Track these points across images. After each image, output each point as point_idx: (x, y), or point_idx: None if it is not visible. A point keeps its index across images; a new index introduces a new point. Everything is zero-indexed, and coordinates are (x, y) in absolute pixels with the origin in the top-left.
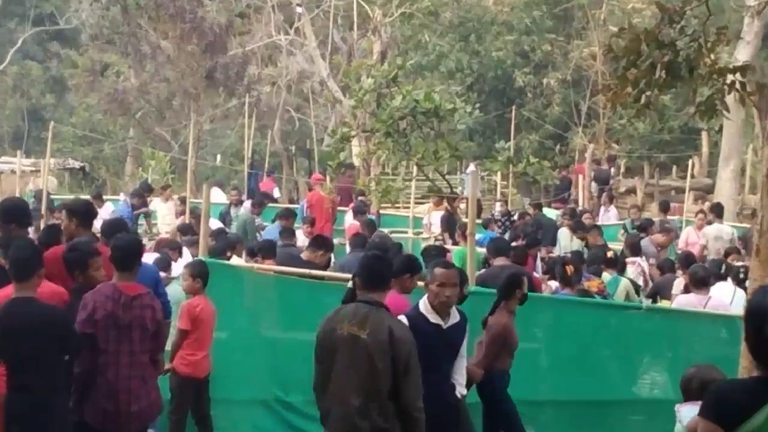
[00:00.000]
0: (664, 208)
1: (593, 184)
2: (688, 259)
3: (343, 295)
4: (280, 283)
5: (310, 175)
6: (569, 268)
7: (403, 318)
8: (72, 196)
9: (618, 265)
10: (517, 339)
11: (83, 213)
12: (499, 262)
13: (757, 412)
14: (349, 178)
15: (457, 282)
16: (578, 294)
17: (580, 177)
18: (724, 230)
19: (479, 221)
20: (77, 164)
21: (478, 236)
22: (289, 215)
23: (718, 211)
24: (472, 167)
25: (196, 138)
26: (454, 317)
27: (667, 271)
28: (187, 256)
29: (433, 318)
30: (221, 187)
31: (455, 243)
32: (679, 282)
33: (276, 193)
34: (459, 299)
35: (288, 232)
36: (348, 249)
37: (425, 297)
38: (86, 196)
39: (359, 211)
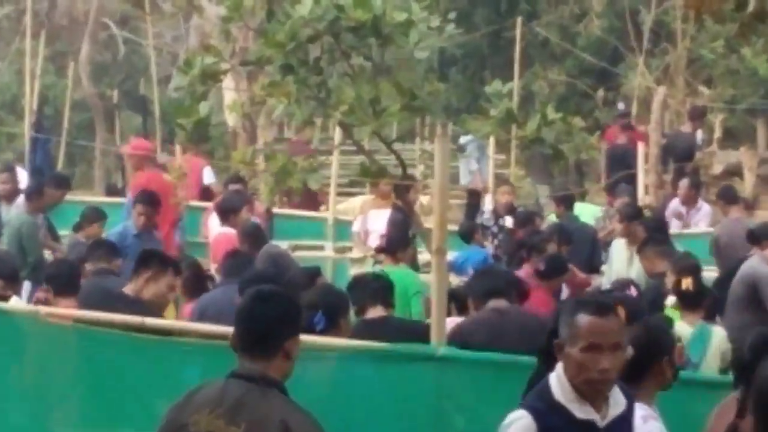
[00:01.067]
0: (729, 198)
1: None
2: None
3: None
4: (88, 341)
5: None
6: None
7: (521, 413)
8: None
9: (704, 304)
10: None
11: None
12: (494, 304)
13: None
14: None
15: (622, 340)
16: None
17: (640, 146)
18: None
19: (453, 228)
20: None
21: (451, 256)
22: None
23: None
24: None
25: None
26: (617, 405)
27: None
28: None
29: (580, 410)
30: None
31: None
32: None
33: (208, 177)
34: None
35: (102, 249)
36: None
37: (558, 370)
38: None
39: (231, 210)
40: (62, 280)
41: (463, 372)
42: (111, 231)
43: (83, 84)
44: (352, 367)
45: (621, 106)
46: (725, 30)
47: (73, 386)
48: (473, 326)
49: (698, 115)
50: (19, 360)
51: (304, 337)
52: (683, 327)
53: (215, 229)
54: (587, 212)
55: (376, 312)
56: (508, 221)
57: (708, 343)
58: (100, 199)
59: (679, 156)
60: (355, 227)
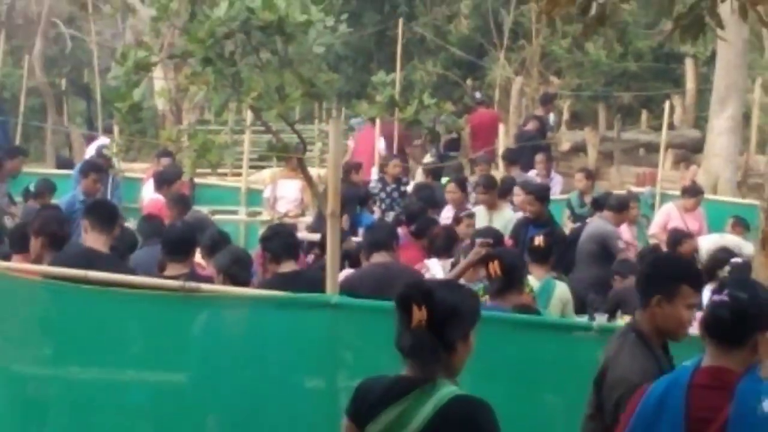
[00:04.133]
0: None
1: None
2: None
3: None
4: (43, 292)
5: (90, 124)
6: (494, 267)
7: None
8: None
9: (549, 260)
10: None
11: None
12: (377, 258)
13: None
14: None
15: None
16: (519, 309)
17: (502, 129)
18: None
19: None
20: None
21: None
22: (96, 170)
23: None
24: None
25: None
26: None
27: (630, 274)
28: None
29: None
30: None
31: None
32: None
33: (380, 145)
34: None
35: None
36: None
37: None
38: None
39: (166, 180)
40: (20, 240)
41: (352, 317)
42: (61, 199)
43: (36, 74)
44: (260, 313)
45: (478, 95)
46: (572, 29)
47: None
48: (361, 278)
49: (549, 101)
50: None
51: (220, 287)
52: (532, 280)
53: (147, 196)
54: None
55: (289, 266)
56: (410, 187)
57: (551, 294)
58: (51, 171)
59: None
60: (266, 194)
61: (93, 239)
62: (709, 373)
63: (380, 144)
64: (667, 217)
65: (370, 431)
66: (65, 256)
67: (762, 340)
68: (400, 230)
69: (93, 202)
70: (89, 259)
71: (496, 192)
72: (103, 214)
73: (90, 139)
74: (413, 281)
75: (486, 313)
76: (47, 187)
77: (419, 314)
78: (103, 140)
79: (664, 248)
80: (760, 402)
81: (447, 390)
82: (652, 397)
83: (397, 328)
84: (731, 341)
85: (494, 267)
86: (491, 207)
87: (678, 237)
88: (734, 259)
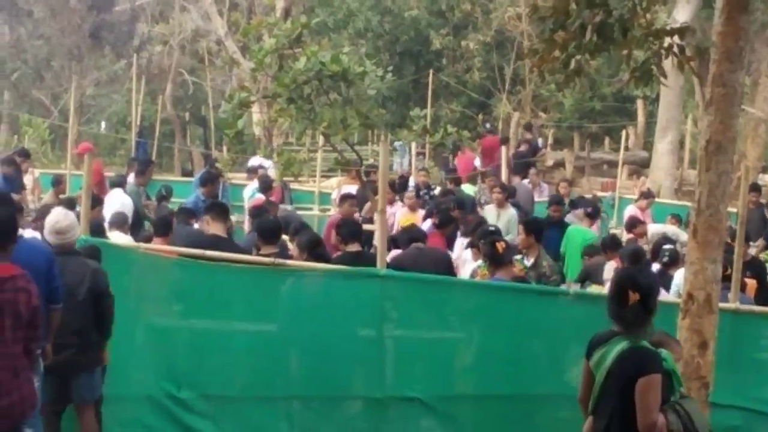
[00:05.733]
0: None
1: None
2: (614, 241)
3: None
4: (176, 266)
5: (205, 145)
6: (500, 245)
7: None
8: None
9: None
10: None
11: None
12: (414, 245)
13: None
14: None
15: None
16: (514, 280)
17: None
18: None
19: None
20: None
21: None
22: (212, 179)
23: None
24: (400, 143)
25: (78, 103)
26: None
27: (596, 255)
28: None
29: None
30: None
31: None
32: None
33: (477, 162)
34: None
35: (186, 213)
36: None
37: None
38: None
39: (269, 186)
40: (158, 227)
41: (396, 284)
42: (187, 199)
43: (167, 109)
44: (329, 281)
45: (487, 125)
46: (555, 78)
47: (173, 295)
48: (403, 257)
49: (529, 127)
50: (125, 280)
51: (300, 263)
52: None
53: (247, 196)
54: (468, 189)
55: (354, 247)
56: (437, 191)
57: None
58: (177, 178)
59: (527, 155)
60: (333, 196)
61: (215, 228)
62: None
63: (476, 161)
64: (634, 213)
65: (590, 363)
66: (196, 240)
67: None
68: (429, 222)
69: (212, 202)
70: (214, 242)
71: (507, 194)
72: (220, 210)
73: (206, 157)
74: (624, 272)
75: (493, 283)
76: (171, 192)
77: (634, 296)
78: (262, 161)
79: (624, 235)
80: None
81: (631, 340)
82: None
83: (612, 302)
84: None
85: (501, 245)
86: (500, 206)
87: (634, 222)
88: (668, 246)
